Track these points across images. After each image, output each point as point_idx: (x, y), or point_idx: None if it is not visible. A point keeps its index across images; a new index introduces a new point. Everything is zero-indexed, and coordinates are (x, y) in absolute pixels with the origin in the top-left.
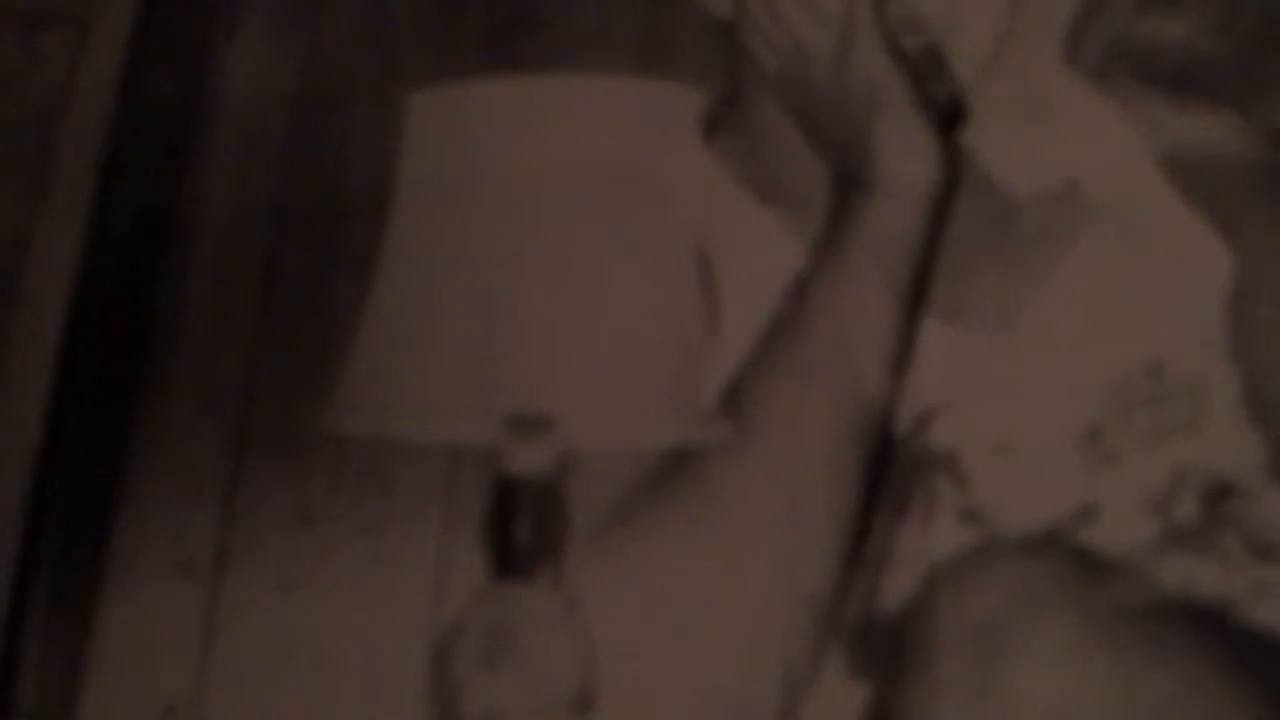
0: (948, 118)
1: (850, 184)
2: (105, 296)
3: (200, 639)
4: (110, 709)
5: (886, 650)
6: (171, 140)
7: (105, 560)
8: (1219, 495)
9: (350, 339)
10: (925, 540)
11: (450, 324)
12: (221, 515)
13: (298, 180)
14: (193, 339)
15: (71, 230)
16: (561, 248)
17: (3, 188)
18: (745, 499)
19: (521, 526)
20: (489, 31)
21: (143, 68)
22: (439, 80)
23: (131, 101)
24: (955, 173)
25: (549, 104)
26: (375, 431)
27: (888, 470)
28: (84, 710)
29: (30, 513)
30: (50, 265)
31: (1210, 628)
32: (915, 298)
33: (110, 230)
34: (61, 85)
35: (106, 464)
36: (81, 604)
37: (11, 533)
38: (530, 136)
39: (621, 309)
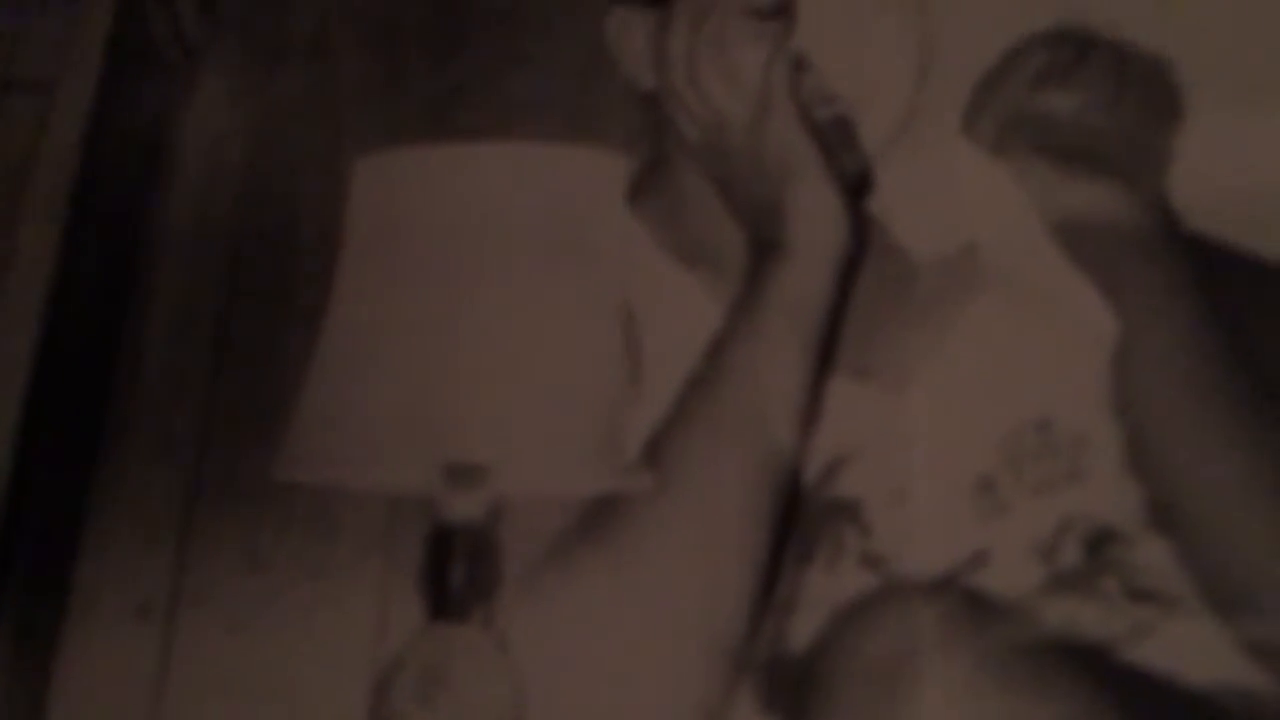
0: (856, 186)
1: (765, 248)
2: (68, 350)
3: (156, 677)
4: None
5: (794, 687)
6: (131, 202)
7: (66, 602)
8: (1100, 542)
9: (298, 391)
10: (830, 584)
11: (391, 377)
12: (176, 561)
13: (250, 240)
14: (150, 392)
15: (36, 288)
16: (497, 305)
17: None
18: (664, 545)
19: (456, 571)
20: (431, 99)
21: (104, 131)
22: (384, 145)
23: (94, 164)
24: (862, 238)
25: (487, 169)
26: (320, 480)
27: (796, 518)
28: None
29: None
30: (16, 321)
31: (1092, 666)
32: (824, 356)
33: (73, 288)
34: (27, 148)
35: (68, 511)
36: (43, 644)
37: None
38: (469, 200)
39: (552, 364)
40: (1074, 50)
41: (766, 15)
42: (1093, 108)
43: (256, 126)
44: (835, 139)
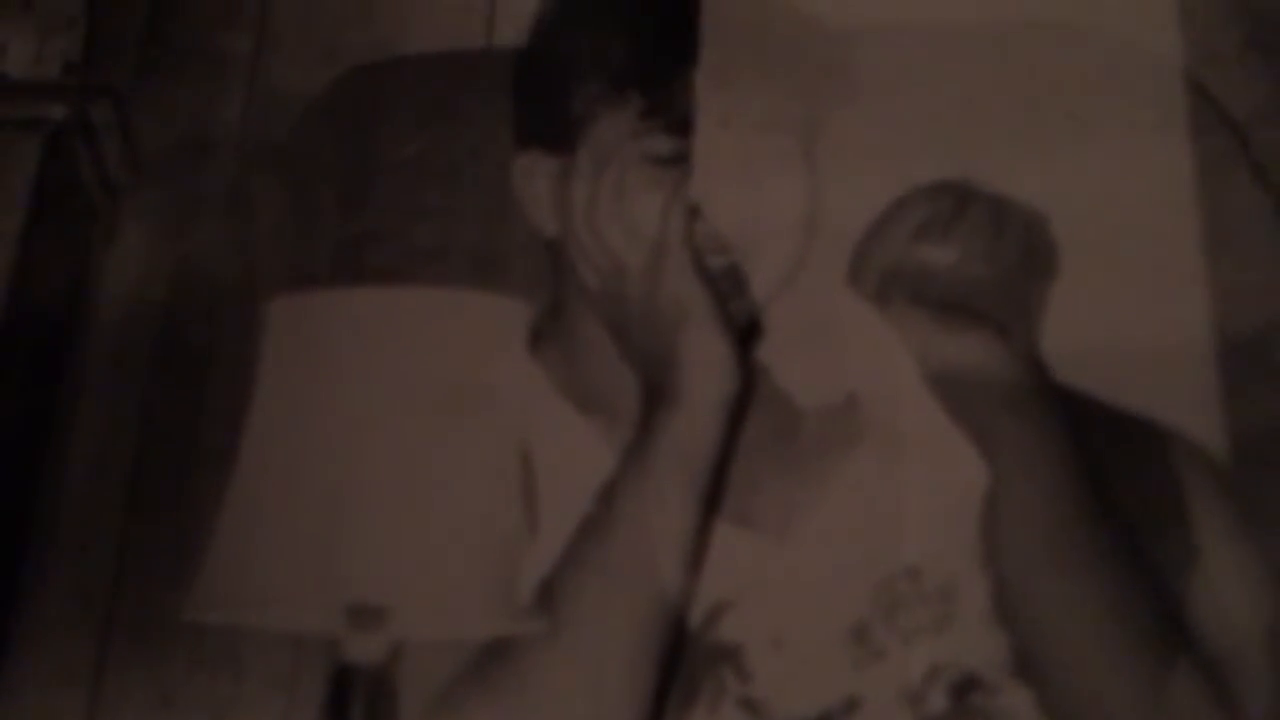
0: (745, 333)
1: (657, 395)
2: None
3: None
4: None
5: None
6: (53, 343)
7: None
8: (966, 689)
9: (208, 533)
10: None
11: (297, 519)
12: (90, 700)
13: (166, 382)
14: (66, 533)
15: None
16: (400, 448)
17: None
18: (553, 688)
19: (356, 712)
20: (342, 244)
21: (29, 270)
22: (296, 288)
23: (18, 303)
24: (750, 385)
25: (392, 312)
26: (229, 620)
27: (680, 661)
28: None
29: None
30: None
31: None
32: (710, 501)
33: None
34: None
35: None
36: None
37: None
38: (375, 342)
39: (451, 508)
40: (954, 203)
41: (664, 163)
42: (970, 259)
43: (175, 270)
44: (727, 287)
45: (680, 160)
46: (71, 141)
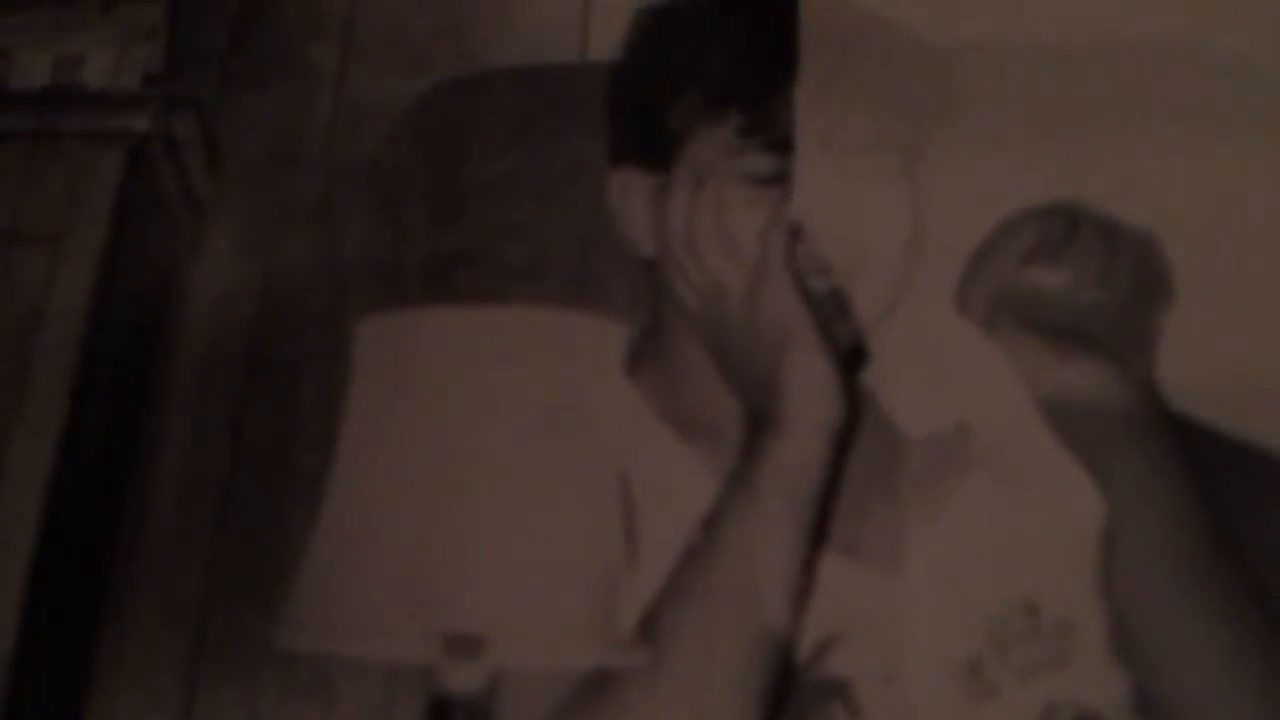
0: (850, 358)
1: (760, 420)
2: (73, 513)
3: None
4: None
5: None
6: (139, 358)
7: None
8: None
9: (299, 558)
10: None
11: (391, 545)
12: None
13: (254, 401)
14: (154, 556)
15: (44, 447)
16: (496, 473)
17: None
18: None
19: None
20: (431, 262)
21: (113, 285)
22: (386, 307)
23: (102, 318)
24: (856, 411)
25: (486, 333)
26: (320, 649)
27: (787, 696)
28: None
29: None
30: (23, 481)
31: None
32: (817, 532)
33: (79, 447)
34: (36, 302)
35: (75, 679)
36: None
37: None
38: (469, 364)
39: (550, 535)
40: (1064, 225)
41: (764, 182)
42: (1083, 284)
43: (262, 285)
44: (830, 310)
45: (780, 179)
46: (154, 154)
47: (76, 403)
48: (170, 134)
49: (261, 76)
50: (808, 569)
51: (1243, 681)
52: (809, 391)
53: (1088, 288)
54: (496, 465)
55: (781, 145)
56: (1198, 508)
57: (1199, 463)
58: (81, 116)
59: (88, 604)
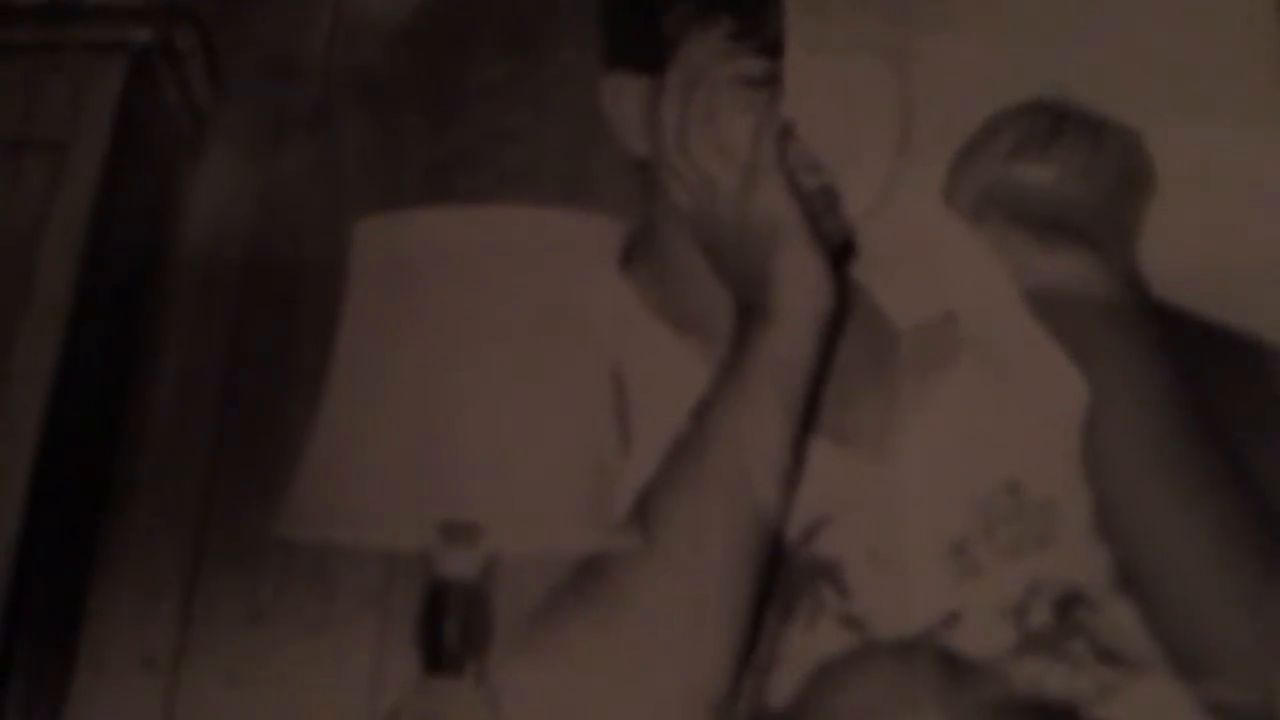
0: (840, 252)
1: (751, 313)
2: (76, 410)
3: None
4: None
5: None
6: (141, 261)
7: (75, 656)
8: (1069, 604)
9: (299, 452)
10: (809, 642)
11: (390, 437)
12: (179, 616)
13: (254, 302)
14: (155, 452)
15: (48, 344)
16: (493, 367)
17: None
18: (650, 603)
19: (450, 627)
20: (429, 166)
21: (116, 191)
22: (384, 210)
23: (105, 223)
24: (845, 303)
25: (483, 232)
26: (320, 538)
27: (778, 578)
28: None
29: (7, 613)
30: (26, 378)
31: None
32: (806, 418)
33: (82, 346)
34: (41, 208)
35: (77, 569)
36: (54, 695)
37: None
38: (466, 262)
39: (545, 426)
40: (1049, 122)
41: (755, 84)
42: (1068, 177)
43: (261, 192)
44: (820, 206)
45: (771, 82)
46: (155, 65)
47: (80, 305)
48: (171, 45)
49: None
50: (798, 454)
51: (1222, 554)
52: (799, 284)
53: (1072, 182)
54: (493, 358)
55: (772, 49)
56: (1178, 390)
57: (1180, 347)
58: (85, 28)
59: (91, 498)
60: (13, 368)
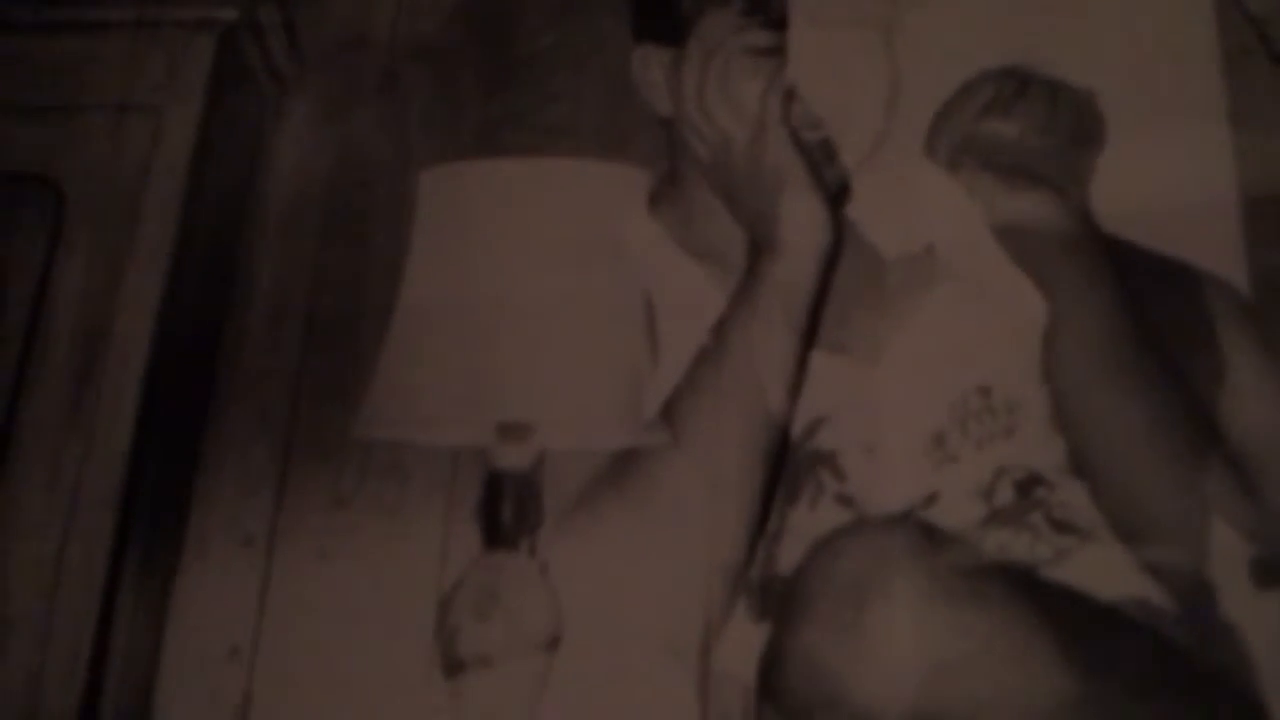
0: (837, 196)
1: (762, 247)
2: (181, 334)
3: (257, 597)
4: (186, 651)
5: (781, 601)
6: (233, 208)
7: (183, 539)
8: (1030, 485)
9: (373, 365)
10: (811, 519)
11: (452, 352)
12: (273, 503)
13: (332, 242)
14: (250, 369)
15: (155, 280)
16: (540, 293)
17: (99, 250)
18: (677, 490)
19: (506, 510)
20: (484, 124)
21: (208, 149)
22: (444, 161)
23: (200, 177)
24: (841, 238)
25: (531, 180)
26: (393, 437)
27: (785, 466)
28: (166, 651)
29: (124, 501)
30: (137, 308)
31: (1022, 584)
32: (809, 334)
33: (184, 281)
34: (143, 165)
35: (184, 465)
36: (164, 573)
37: (110, 516)
38: (516, 205)
39: (586, 341)
40: (1016, 84)
41: (763, 53)
42: (1030, 131)
43: (337, 146)
44: (820, 157)
45: (777, 51)
46: (242, 38)
47: (180, 245)
48: (255, 21)
49: None
50: (801, 364)
51: (1160, 441)
52: (803, 223)
53: (1034, 135)
54: (540, 285)
55: (778, 22)
56: (1124, 308)
57: (1124, 273)
58: (179, 8)
59: (194, 408)
60: (124, 295)
